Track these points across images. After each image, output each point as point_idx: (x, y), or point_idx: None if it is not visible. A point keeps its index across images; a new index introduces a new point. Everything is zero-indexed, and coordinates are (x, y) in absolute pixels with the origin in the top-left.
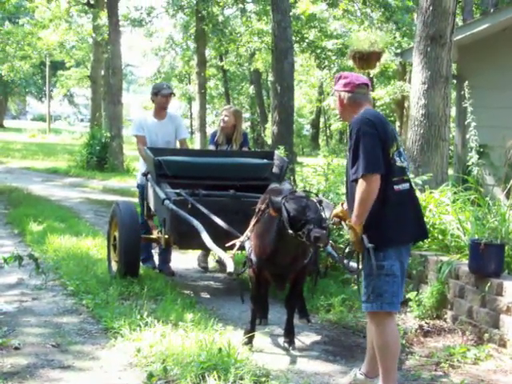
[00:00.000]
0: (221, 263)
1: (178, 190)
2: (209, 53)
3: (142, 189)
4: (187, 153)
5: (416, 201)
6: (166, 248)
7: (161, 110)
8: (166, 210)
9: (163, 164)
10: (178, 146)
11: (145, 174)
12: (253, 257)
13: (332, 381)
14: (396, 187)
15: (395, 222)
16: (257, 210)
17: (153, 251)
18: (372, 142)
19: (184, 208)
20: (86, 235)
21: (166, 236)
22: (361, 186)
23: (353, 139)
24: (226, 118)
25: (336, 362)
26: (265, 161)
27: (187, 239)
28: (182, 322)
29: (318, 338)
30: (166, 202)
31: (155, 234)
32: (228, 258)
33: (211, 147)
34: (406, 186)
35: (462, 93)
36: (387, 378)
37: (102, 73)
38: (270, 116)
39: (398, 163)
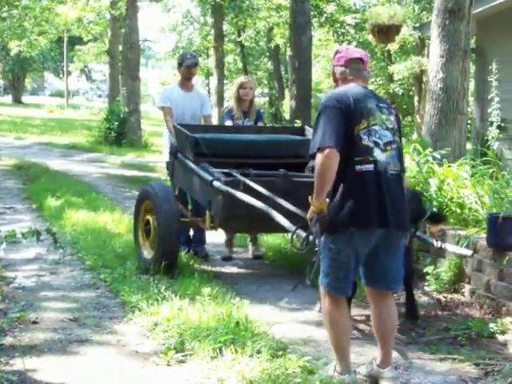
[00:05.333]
0: (254, 241)
1: (226, 170)
2: (226, 27)
3: None
4: (219, 129)
5: (383, 185)
6: (199, 230)
7: (186, 81)
8: (213, 191)
9: (200, 142)
10: (201, 121)
11: (173, 152)
12: None
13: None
14: (358, 167)
15: (350, 205)
16: None
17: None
18: (331, 116)
19: (236, 189)
20: (103, 210)
21: (209, 219)
22: (317, 160)
23: (318, 112)
24: (249, 91)
25: (352, 335)
26: (304, 137)
27: (238, 221)
28: (199, 296)
29: None
30: (216, 183)
31: (190, 217)
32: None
33: (229, 123)
34: (369, 167)
35: (490, 67)
36: (337, 359)
37: (120, 48)
38: (287, 91)
39: (364, 142)
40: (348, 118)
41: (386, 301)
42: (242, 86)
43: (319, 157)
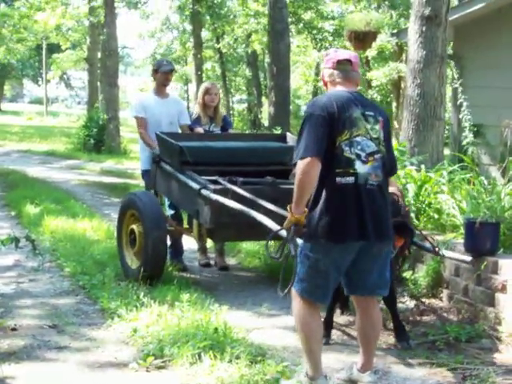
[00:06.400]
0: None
1: (213, 178)
2: (205, 35)
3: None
4: (202, 137)
5: (363, 198)
6: (177, 240)
7: (161, 88)
8: (202, 200)
9: (185, 150)
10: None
11: (156, 161)
12: None
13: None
14: (338, 179)
15: (328, 217)
16: None
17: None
18: (315, 125)
19: (225, 197)
20: (82, 217)
21: (196, 228)
22: (297, 169)
23: (302, 120)
24: (214, 97)
25: (331, 341)
26: (286, 144)
27: (226, 230)
28: (178, 302)
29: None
30: (205, 191)
31: (175, 226)
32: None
33: (200, 130)
34: (350, 179)
35: (451, 72)
36: (307, 363)
37: (99, 55)
38: (266, 98)
39: (346, 154)
40: (331, 127)
41: (370, 310)
42: (207, 92)
43: (300, 166)
